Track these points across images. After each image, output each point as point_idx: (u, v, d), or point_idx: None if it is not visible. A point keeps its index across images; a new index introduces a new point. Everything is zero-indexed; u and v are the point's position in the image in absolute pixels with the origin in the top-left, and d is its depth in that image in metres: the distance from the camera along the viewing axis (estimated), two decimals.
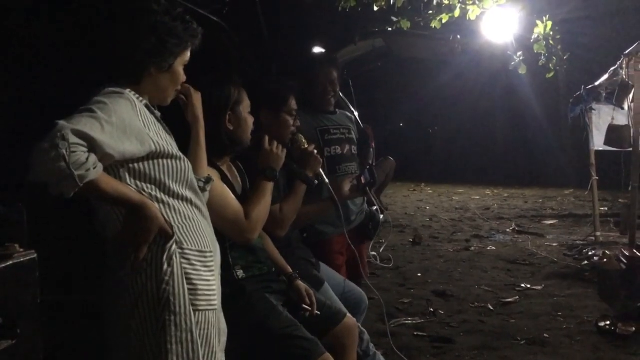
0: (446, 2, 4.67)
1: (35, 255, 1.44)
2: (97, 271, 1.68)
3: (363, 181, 2.74)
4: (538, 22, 4.89)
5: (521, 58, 5.18)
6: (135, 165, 1.56)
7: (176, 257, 1.58)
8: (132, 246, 1.52)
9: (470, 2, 4.57)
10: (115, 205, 1.53)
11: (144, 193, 1.56)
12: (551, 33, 4.89)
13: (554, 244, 6.79)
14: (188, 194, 1.68)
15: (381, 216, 3.41)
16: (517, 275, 5.43)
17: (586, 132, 6.83)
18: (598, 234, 6.72)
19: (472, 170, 15.79)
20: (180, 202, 1.65)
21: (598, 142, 6.70)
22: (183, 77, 1.75)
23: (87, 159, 1.36)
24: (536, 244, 6.82)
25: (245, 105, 2.23)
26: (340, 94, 3.81)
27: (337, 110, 3.23)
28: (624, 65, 5.41)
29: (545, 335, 3.77)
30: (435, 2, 4.75)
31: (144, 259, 1.54)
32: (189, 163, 1.70)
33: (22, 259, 1.41)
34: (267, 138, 2.32)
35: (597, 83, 6.21)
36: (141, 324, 1.55)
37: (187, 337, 1.57)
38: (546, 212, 9.74)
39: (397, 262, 5.86)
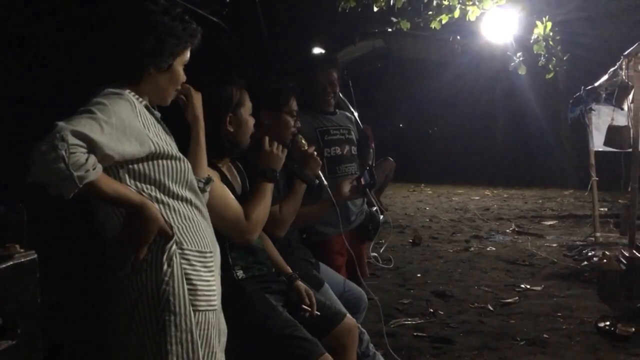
0: (446, 2, 4.67)
1: (35, 256, 1.44)
2: (97, 271, 1.68)
3: (363, 182, 2.73)
4: (538, 22, 4.88)
5: (521, 59, 5.17)
6: (135, 166, 1.56)
7: (176, 257, 1.58)
8: (132, 247, 1.52)
9: (470, 3, 4.57)
10: (115, 206, 1.54)
11: (143, 194, 1.56)
12: (551, 34, 4.89)
13: (554, 245, 6.79)
14: (188, 194, 1.68)
15: (381, 217, 3.41)
16: (517, 276, 5.43)
17: (591, 129, 6.82)
18: (598, 234, 6.72)
19: (472, 170, 15.77)
20: (179, 202, 1.65)
21: (598, 142, 6.70)
22: (183, 77, 1.75)
23: (87, 160, 1.36)
24: (536, 245, 6.83)
25: (247, 108, 2.22)
26: (340, 94, 3.81)
27: (336, 110, 3.23)
28: (623, 66, 5.40)
29: (545, 335, 3.77)
30: (434, 3, 4.75)
31: (144, 259, 1.54)
32: (189, 164, 1.70)
33: (22, 259, 1.41)
34: (267, 139, 2.31)
35: (596, 84, 6.20)
36: (141, 324, 1.55)
37: (187, 338, 1.57)
38: (546, 213, 9.75)
39: (396, 263, 5.86)
